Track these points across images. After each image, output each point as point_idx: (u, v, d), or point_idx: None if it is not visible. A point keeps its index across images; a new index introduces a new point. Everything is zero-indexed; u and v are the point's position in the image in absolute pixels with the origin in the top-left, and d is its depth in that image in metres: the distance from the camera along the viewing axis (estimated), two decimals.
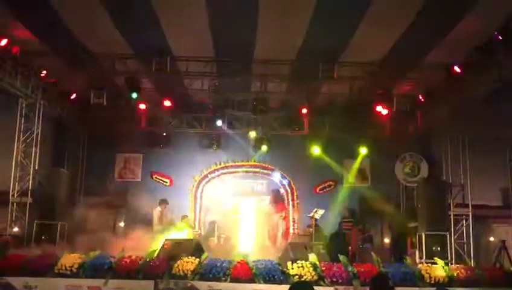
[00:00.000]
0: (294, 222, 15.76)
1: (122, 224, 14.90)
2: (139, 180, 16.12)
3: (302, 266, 7.96)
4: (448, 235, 12.16)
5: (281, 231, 14.46)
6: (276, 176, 15.68)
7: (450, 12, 9.40)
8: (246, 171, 16.11)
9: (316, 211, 13.35)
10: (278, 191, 15.46)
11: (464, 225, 12.72)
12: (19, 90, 12.20)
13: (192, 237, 12.48)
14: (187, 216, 14.25)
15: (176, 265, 8.01)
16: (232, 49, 11.55)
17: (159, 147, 15.63)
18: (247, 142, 15.46)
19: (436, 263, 8.64)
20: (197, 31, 10.54)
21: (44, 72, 12.64)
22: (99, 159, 15.61)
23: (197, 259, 8.22)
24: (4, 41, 10.82)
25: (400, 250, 12.82)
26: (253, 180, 16.16)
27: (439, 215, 12.51)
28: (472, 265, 11.39)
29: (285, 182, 15.89)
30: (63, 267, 8.06)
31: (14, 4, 9.55)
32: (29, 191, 12.51)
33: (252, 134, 15.13)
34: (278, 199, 15.08)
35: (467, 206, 12.80)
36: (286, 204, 15.73)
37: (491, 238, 13.98)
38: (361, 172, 16.20)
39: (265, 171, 16.03)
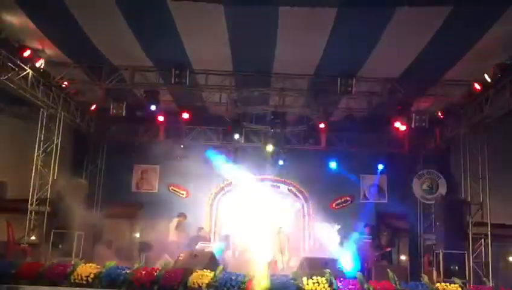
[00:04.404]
0: (309, 236, 15.69)
1: (138, 235, 14.96)
2: (156, 191, 16.20)
3: (317, 282, 7.89)
4: (466, 255, 11.98)
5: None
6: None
7: (470, 30, 9.36)
8: (263, 185, 16.11)
9: (333, 226, 13.28)
10: None
11: (483, 244, 12.50)
12: (40, 101, 12.40)
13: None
14: (203, 228, 14.27)
15: (191, 278, 7.99)
16: (251, 63, 11.63)
17: (176, 159, 15.70)
18: (264, 155, 15.44)
19: (453, 283, 8.49)
20: (216, 44, 10.63)
21: (66, 83, 12.83)
22: (117, 169, 15.73)
23: (212, 272, 8.20)
24: (27, 53, 11.05)
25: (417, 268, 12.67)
26: (269, 194, 16.14)
27: (457, 234, 12.36)
28: (491, 285, 11.20)
29: (301, 196, 15.90)
30: (79, 277, 8.08)
31: (36, 16, 9.74)
32: (48, 200, 12.65)
33: (269, 148, 15.09)
34: None
35: (485, 225, 12.57)
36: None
37: (511, 259, 13.74)
38: (378, 188, 16.10)
39: (282, 185, 16.04)
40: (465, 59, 10.50)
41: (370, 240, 13.37)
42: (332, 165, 15.31)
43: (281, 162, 15.37)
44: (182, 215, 13.70)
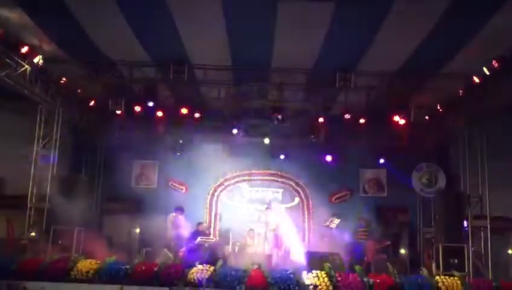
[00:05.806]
0: (309, 231, 15.72)
1: (137, 230, 14.96)
2: (155, 187, 16.22)
3: (317, 276, 7.91)
4: (465, 248, 12.00)
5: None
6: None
7: (469, 22, 9.34)
8: (262, 179, 16.15)
9: (332, 220, 13.28)
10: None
11: (482, 237, 12.52)
12: (38, 97, 12.37)
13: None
14: (202, 223, 14.26)
15: (190, 272, 8.01)
16: (250, 58, 11.59)
17: (175, 154, 15.69)
18: (263, 150, 15.46)
19: (453, 275, 8.51)
20: (214, 38, 10.60)
21: (64, 79, 12.79)
22: (117, 165, 15.67)
23: (212, 267, 8.22)
24: (25, 49, 11.00)
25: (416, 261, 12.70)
26: (268, 189, 16.19)
27: (456, 227, 12.38)
28: (490, 278, 11.22)
29: (300, 190, 15.98)
30: (80, 273, 8.10)
31: (34, 12, 9.70)
32: (47, 196, 12.63)
33: (267, 141, 15.10)
34: None
35: (485, 218, 12.59)
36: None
37: (510, 251, 13.77)
38: (377, 182, 16.12)
39: (281, 179, 16.07)
40: (463, 52, 10.48)
41: (367, 234, 13.37)
42: (330, 159, 15.34)
43: (282, 157, 15.47)
44: (179, 209, 13.67)
